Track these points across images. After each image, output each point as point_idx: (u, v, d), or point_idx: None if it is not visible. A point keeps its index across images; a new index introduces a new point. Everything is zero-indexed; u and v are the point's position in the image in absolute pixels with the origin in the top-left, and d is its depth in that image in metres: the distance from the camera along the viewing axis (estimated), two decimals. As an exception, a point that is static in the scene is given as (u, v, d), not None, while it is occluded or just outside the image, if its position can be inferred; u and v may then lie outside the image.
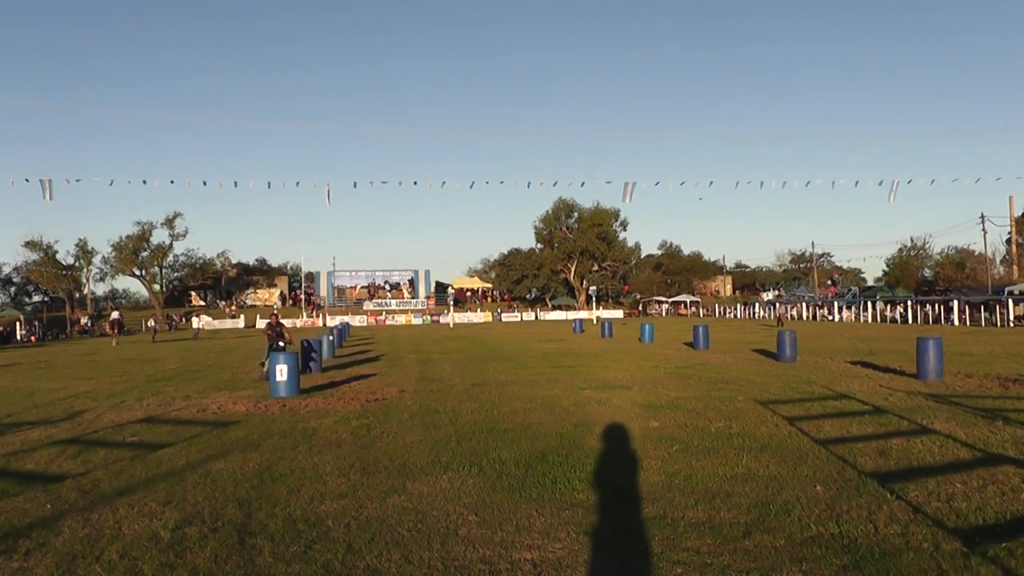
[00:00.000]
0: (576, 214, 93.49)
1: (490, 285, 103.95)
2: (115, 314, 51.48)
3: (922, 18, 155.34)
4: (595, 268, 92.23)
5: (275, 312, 19.50)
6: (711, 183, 53.72)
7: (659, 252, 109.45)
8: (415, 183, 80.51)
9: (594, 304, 77.53)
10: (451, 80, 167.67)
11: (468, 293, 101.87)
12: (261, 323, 76.85)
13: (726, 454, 8.66)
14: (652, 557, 5.35)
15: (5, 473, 8.82)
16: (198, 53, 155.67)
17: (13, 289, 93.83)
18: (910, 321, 52.29)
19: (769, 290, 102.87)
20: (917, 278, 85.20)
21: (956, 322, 47.46)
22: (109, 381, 20.30)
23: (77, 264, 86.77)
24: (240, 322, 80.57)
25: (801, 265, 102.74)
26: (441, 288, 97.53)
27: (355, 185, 50.22)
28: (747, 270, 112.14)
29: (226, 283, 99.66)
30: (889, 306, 59.18)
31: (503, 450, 9.20)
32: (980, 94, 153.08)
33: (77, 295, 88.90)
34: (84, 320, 75.46)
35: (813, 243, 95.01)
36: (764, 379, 16.46)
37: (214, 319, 79.43)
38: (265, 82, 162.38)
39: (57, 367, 27.35)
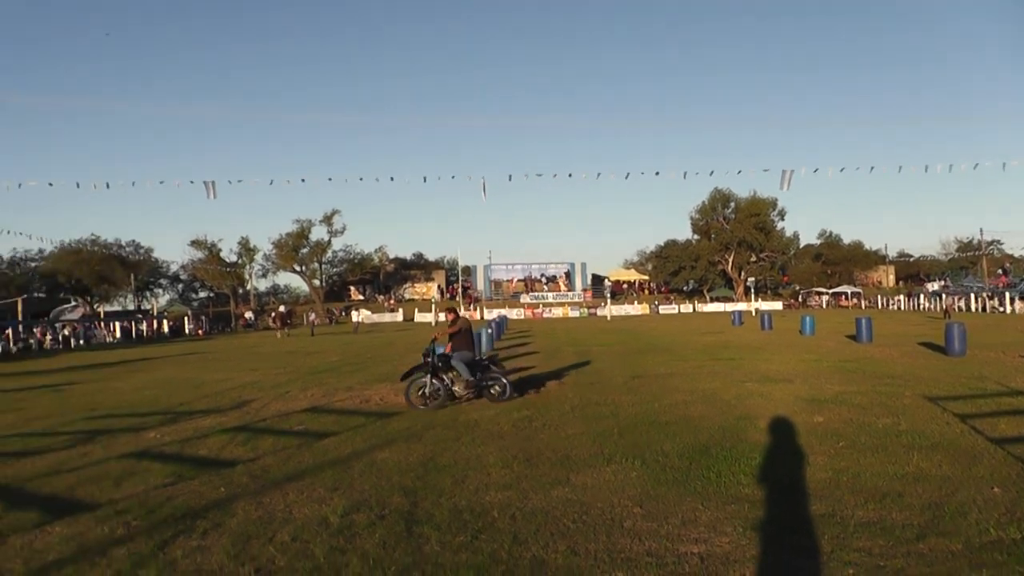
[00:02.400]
0: (733, 204, 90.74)
1: (647, 277, 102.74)
2: (282, 308, 54.15)
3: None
4: (753, 259, 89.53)
5: (453, 308, 14.47)
6: (872, 168, 51.38)
7: (818, 241, 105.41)
8: (570, 175, 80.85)
9: (752, 296, 75.58)
10: (607, 73, 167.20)
11: (624, 285, 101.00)
12: (416, 317, 78.67)
13: (895, 452, 8.42)
14: (822, 556, 5.32)
15: (181, 458, 9.44)
16: (352, 58, 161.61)
17: (181, 286, 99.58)
18: (1098, 312, 48.54)
19: (934, 280, 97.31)
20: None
21: None
22: (273, 372, 21.22)
23: (240, 261, 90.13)
24: (399, 315, 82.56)
25: (968, 253, 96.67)
26: (597, 281, 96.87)
27: (510, 178, 51.43)
28: (911, 259, 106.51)
29: (384, 277, 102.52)
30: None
31: (665, 443, 9.24)
32: None
33: (241, 291, 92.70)
34: (248, 314, 79.30)
35: (982, 230, 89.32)
36: (932, 374, 15.75)
37: (373, 313, 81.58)
38: (419, 80, 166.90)
39: (223, 359, 28.94)
